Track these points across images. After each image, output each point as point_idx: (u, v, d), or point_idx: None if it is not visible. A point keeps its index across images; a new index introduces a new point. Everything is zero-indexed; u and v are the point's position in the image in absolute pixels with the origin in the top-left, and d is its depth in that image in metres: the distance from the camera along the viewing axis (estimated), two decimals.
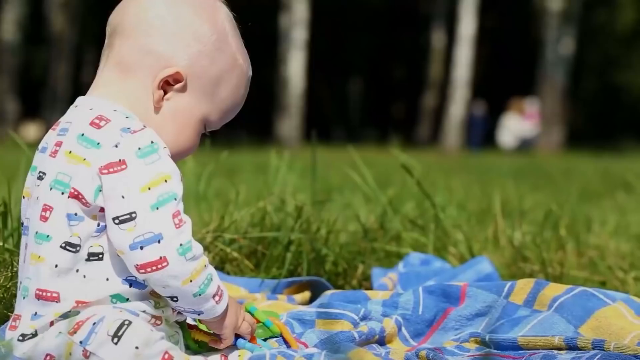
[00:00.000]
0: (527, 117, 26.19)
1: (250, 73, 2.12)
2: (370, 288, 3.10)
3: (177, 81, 2.01)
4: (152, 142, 1.92)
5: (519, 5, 33.61)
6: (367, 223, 3.53)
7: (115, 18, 2.04)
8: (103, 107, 1.98)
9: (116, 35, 2.02)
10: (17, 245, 2.58)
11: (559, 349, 2.22)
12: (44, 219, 1.95)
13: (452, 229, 3.56)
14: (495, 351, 2.25)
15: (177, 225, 1.89)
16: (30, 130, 27.17)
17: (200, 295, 1.94)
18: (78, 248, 1.92)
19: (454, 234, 3.52)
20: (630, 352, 2.13)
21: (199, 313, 1.99)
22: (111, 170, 1.89)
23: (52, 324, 1.93)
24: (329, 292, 2.64)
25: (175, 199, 1.90)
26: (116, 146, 1.91)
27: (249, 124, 27.20)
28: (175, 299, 1.94)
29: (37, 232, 1.96)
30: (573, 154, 22.13)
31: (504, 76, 33.74)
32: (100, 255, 1.93)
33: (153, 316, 1.99)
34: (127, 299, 1.95)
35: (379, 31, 34.46)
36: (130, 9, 2.03)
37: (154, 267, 1.88)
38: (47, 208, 1.95)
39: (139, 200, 1.88)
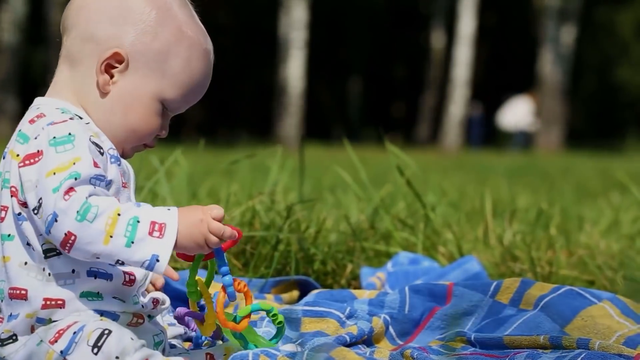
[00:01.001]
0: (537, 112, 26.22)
1: (209, 47, 2.07)
2: (359, 287, 3.10)
3: (120, 62, 2.00)
4: (70, 133, 1.91)
5: (519, 4, 33.60)
6: (357, 222, 3.52)
7: (63, 17, 2.06)
8: (47, 105, 2.00)
9: (64, 32, 2.04)
10: None
11: (544, 348, 2.22)
12: (2, 219, 1.96)
13: (442, 229, 3.56)
14: (480, 350, 2.25)
15: (67, 199, 1.84)
16: None
17: (133, 242, 1.86)
18: (32, 246, 1.93)
19: (444, 234, 3.52)
20: (615, 352, 2.13)
21: (157, 259, 1.87)
22: (27, 162, 1.90)
23: (32, 329, 1.94)
24: (315, 291, 2.64)
25: (76, 179, 1.86)
26: (36, 138, 1.92)
27: (249, 123, 27.22)
28: (120, 262, 1.89)
29: (1, 234, 1.97)
30: (572, 153, 22.15)
31: (503, 75, 33.74)
32: (58, 250, 1.92)
33: (134, 315, 1.99)
34: (98, 293, 1.95)
35: (378, 31, 34.44)
36: (73, 4, 2.05)
37: (69, 244, 1.86)
38: (2, 208, 1.96)
39: (45, 186, 1.87)
